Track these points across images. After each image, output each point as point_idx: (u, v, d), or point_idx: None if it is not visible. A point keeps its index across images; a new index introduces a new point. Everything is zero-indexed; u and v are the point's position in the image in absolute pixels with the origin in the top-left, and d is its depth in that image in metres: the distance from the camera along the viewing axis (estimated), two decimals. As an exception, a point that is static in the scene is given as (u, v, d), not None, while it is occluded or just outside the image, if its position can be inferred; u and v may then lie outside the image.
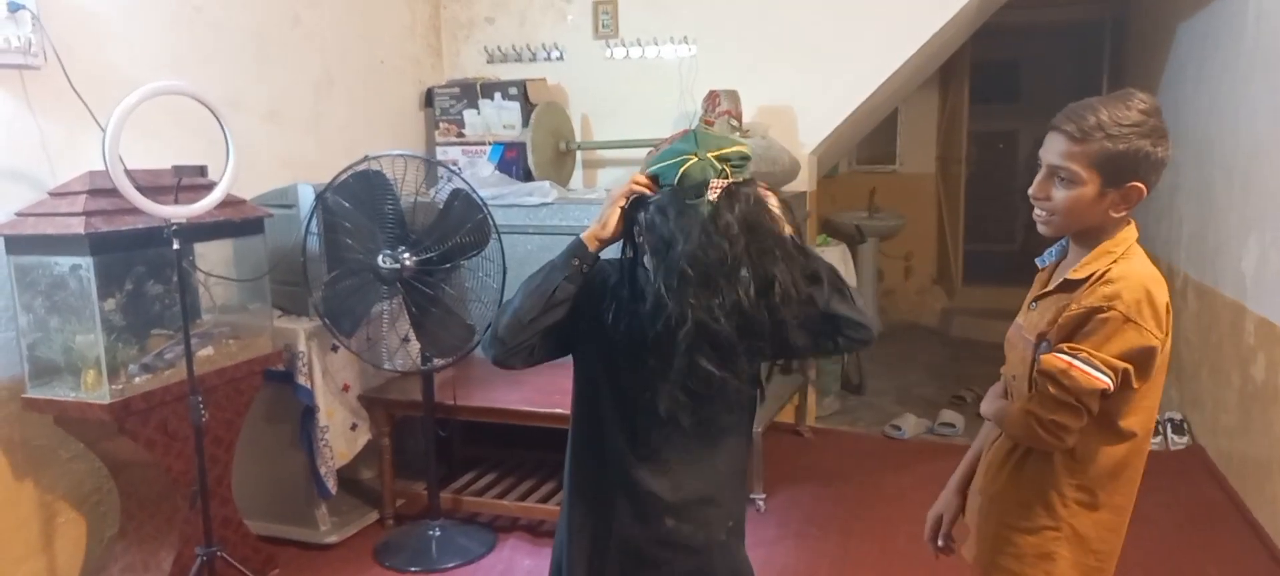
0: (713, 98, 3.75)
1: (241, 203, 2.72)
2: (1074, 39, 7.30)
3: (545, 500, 3.23)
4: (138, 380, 2.49)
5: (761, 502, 3.37)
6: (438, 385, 3.13)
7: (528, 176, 3.89)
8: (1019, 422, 1.49)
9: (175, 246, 2.32)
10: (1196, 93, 4.12)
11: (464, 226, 2.85)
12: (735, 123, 3.70)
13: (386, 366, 3.04)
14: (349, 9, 3.78)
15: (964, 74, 6.35)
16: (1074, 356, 1.41)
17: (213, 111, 2.40)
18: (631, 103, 4.13)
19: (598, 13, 4.15)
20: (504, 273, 2.94)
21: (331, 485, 3.09)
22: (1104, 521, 1.51)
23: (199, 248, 2.63)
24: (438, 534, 3.10)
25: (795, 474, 3.73)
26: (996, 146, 8.33)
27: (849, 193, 6.48)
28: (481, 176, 3.77)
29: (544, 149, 3.95)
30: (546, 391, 3.11)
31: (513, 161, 3.96)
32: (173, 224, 2.32)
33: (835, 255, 4.41)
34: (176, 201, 2.39)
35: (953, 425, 4.24)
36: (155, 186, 2.38)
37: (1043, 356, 1.46)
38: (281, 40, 3.44)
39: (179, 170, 2.49)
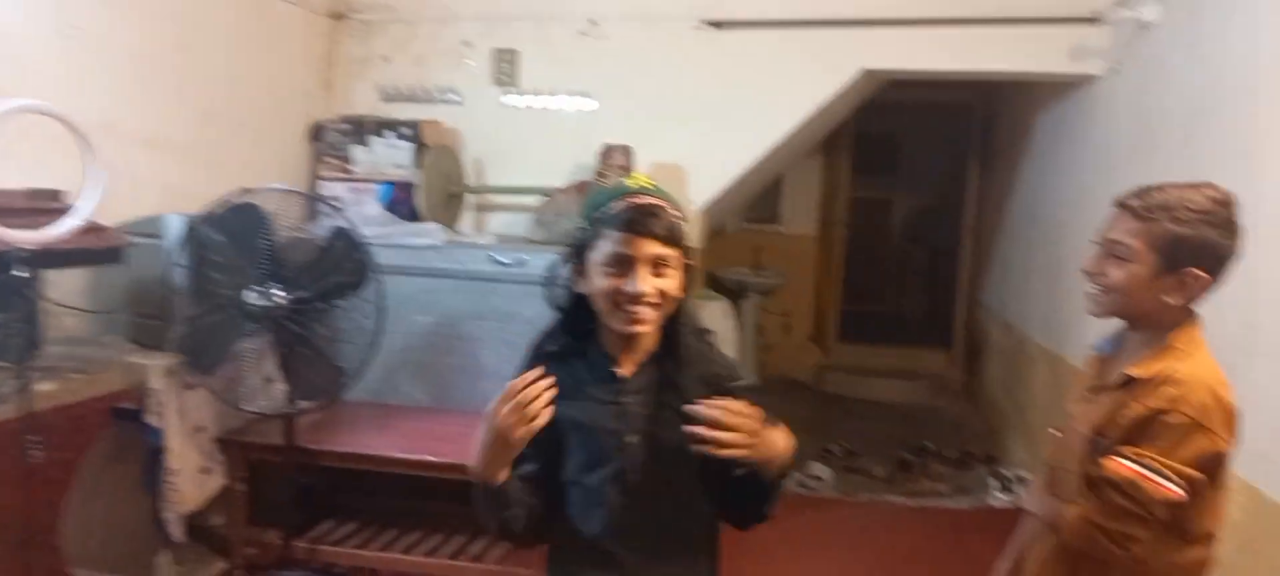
0: (608, 152, 3.80)
1: (103, 230, 2.56)
2: (948, 120, 7.75)
3: (408, 551, 3.14)
4: (-35, 415, 2.29)
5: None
6: (302, 429, 3.01)
7: (415, 217, 3.83)
8: (1080, 532, 1.38)
9: (23, 273, 2.17)
10: (1054, 181, 4.44)
11: (343, 265, 2.78)
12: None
13: (245, 407, 2.90)
14: (239, 38, 3.65)
15: (847, 143, 6.65)
16: (1142, 464, 1.31)
17: (75, 131, 2.27)
18: (527, 150, 4.14)
19: (498, 61, 4.16)
20: (379, 314, 2.87)
21: (177, 531, 2.91)
22: None
23: (52, 275, 2.46)
24: (292, 584, 2.96)
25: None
26: (874, 214, 8.73)
27: (736, 250, 6.64)
28: (368, 214, 3.68)
29: (434, 191, 3.90)
30: (414, 437, 3.05)
31: (402, 201, 3.89)
32: (22, 250, 2.16)
33: (717, 310, 4.51)
34: (28, 226, 2.23)
35: (820, 477, 4.36)
36: (4, 208, 2.23)
37: (1107, 462, 1.36)
38: (165, 64, 3.28)
39: (31, 193, 2.33)
